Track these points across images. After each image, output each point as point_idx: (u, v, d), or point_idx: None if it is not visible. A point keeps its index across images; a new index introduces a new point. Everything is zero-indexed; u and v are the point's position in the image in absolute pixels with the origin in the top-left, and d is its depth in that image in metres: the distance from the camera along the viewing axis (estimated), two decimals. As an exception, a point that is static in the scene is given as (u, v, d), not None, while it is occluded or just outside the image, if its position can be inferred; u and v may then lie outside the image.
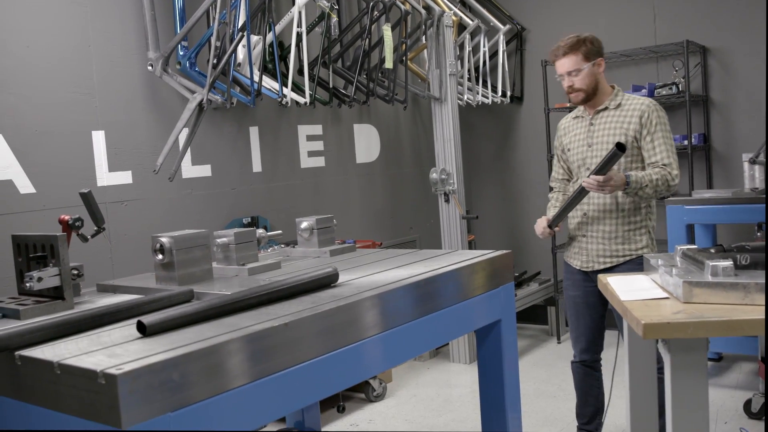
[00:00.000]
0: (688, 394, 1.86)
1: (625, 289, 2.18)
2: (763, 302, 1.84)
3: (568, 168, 3.25)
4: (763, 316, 1.77)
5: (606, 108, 3.06)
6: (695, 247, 2.30)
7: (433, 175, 4.85)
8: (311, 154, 4.70)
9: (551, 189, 3.36)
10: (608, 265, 3.06)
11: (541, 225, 3.16)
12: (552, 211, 3.20)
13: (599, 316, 3.18)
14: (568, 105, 5.30)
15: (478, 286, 2.28)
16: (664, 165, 2.94)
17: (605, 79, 3.10)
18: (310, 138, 4.69)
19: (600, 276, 2.47)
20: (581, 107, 3.17)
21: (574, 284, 3.21)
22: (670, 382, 1.87)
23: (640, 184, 2.88)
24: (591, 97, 3.05)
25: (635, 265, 2.98)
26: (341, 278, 2.08)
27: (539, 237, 3.19)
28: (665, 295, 2.05)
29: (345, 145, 4.99)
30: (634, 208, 3.03)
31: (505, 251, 2.45)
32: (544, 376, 4.64)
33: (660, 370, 2.27)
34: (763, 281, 1.86)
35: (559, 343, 5.37)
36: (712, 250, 2.14)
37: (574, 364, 3.27)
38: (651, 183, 2.89)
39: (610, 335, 3.28)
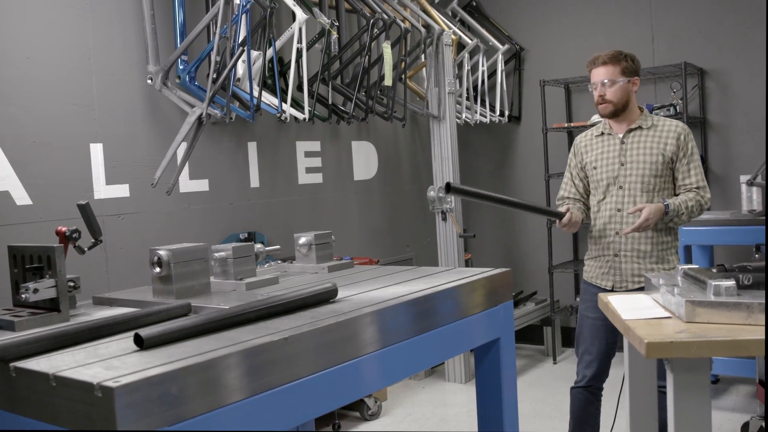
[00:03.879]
0: (691, 414, 1.85)
1: (627, 307, 2.17)
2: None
3: (584, 187, 3.21)
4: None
5: (639, 127, 3.05)
6: (696, 266, 2.29)
7: (431, 193, 4.84)
8: (309, 170, 4.69)
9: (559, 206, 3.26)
10: (642, 285, 3.01)
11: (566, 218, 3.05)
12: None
13: (614, 342, 3.10)
14: (566, 125, 5.32)
15: (477, 304, 2.26)
16: (698, 188, 2.99)
17: (635, 100, 3.10)
18: (308, 154, 4.68)
19: (601, 295, 2.46)
20: (606, 125, 3.14)
21: (596, 306, 3.13)
22: (673, 403, 1.86)
23: (677, 212, 2.93)
24: (619, 113, 3.05)
25: None
26: (340, 294, 2.06)
27: (564, 231, 3.12)
28: (667, 314, 2.04)
29: (343, 162, 4.99)
30: (666, 229, 3.04)
31: (504, 269, 2.43)
32: (541, 396, 4.60)
33: (662, 387, 2.24)
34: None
35: (555, 363, 5.34)
36: (714, 270, 2.13)
37: (576, 389, 3.16)
38: (687, 210, 2.94)
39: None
